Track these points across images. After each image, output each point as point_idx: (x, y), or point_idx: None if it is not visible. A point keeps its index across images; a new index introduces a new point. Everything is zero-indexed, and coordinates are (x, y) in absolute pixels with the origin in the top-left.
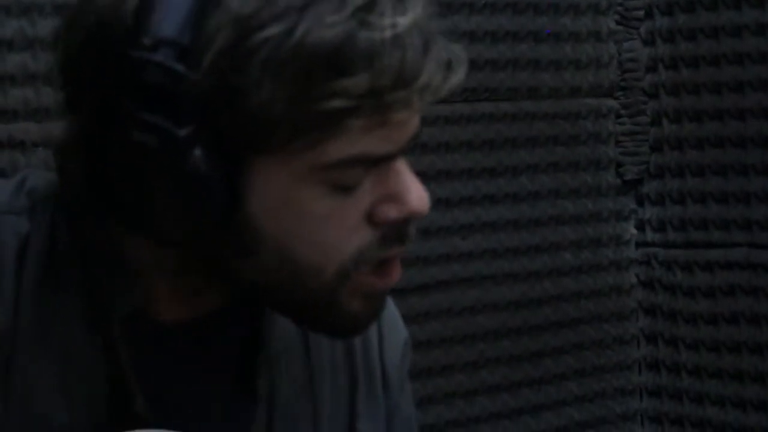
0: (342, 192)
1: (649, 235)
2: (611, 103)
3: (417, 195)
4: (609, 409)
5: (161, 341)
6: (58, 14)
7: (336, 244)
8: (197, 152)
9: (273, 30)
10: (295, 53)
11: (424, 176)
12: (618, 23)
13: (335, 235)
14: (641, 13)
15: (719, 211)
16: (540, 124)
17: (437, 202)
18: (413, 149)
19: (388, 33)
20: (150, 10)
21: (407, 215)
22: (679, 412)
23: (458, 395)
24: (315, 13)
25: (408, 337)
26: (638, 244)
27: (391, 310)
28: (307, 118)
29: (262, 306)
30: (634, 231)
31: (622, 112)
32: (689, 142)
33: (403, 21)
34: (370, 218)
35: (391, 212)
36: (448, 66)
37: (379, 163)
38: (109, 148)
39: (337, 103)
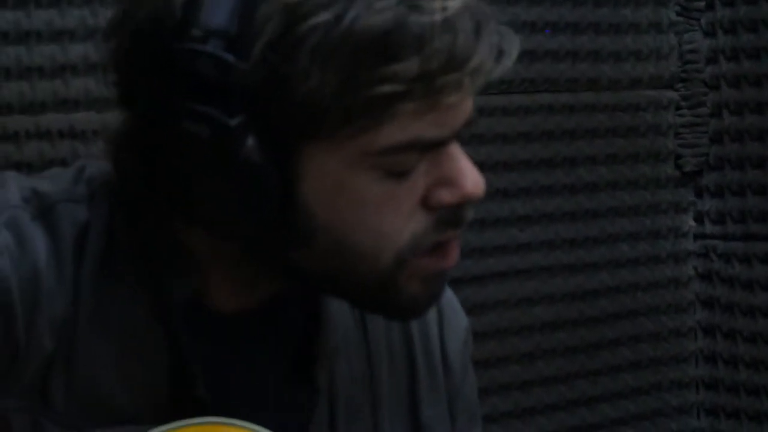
0: (395, 177)
1: (708, 227)
2: (671, 94)
3: (471, 178)
4: (665, 402)
5: (219, 330)
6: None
7: (391, 229)
8: (249, 141)
9: (321, 17)
10: (344, 40)
11: (481, 167)
12: (679, 14)
13: (390, 220)
14: (702, 4)
15: None
16: (599, 115)
17: (495, 193)
18: (470, 140)
19: (438, 16)
20: (199, 1)
21: (462, 199)
22: (735, 405)
23: (514, 386)
24: None
25: (469, 324)
26: (696, 236)
27: (451, 297)
28: (357, 104)
29: (319, 293)
30: (692, 223)
31: (682, 103)
32: (750, 134)
33: (454, 4)
34: (425, 203)
35: (445, 196)
36: (500, 49)
37: (432, 147)
38: (162, 140)
39: (387, 88)
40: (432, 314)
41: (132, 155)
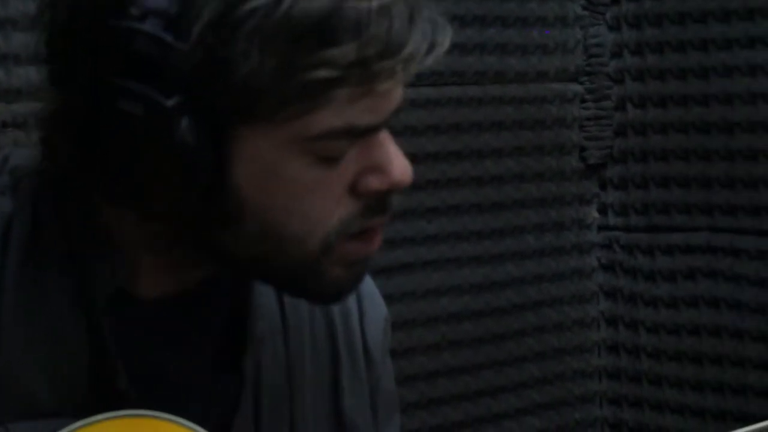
0: (326, 163)
1: (612, 219)
2: (576, 87)
3: (400, 166)
4: (568, 391)
5: (145, 318)
6: None
7: (320, 214)
8: (184, 122)
9: (261, 0)
10: (283, 24)
11: None
12: (584, 8)
13: (319, 205)
14: None
15: (681, 195)
16: (506, 108)
17: None
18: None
19: (374, 3)
20: None
21: (390, 186)
22: (637, 394)
23: (420, 377)
24: None
25: (388, 314)
26: (600, 228)
27: (370, 287)
28: (293, 88)
29: (245, 279)
30: (596, 215)
31: (587, 96)
32: (653, 127)
33: None
34: (353, 189)
35: (374, 183)
36: (433, 38)
37: (363, 134)
38: (96, 120)
39: (323, 73)
40: (353, 304)
41: (62, 136)
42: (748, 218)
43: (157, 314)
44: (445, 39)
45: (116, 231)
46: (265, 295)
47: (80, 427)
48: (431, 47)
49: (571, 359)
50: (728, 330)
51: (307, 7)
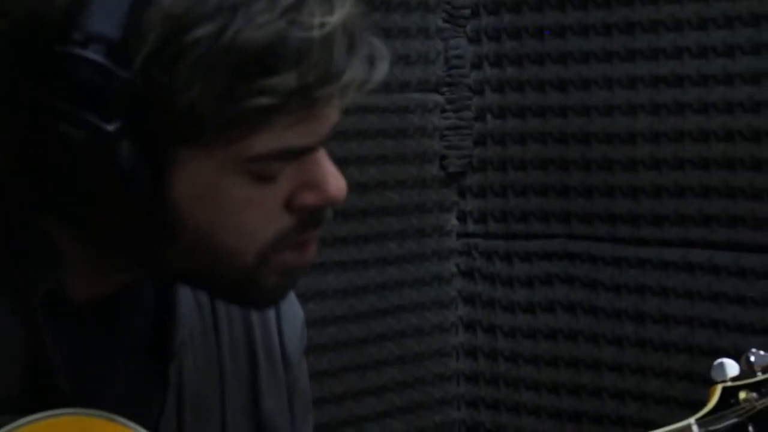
0: (263, 182)
1: (471, 226)
2: (437, 98)
3: (335, 183)
4: (428, 395)
5: (79, 319)
6: None
7: (256, 230)
8: (125, 145)
9: (204, 30)
10: (225, 53)
11: None
12: (445, 21)
13: (255, 222)
14: (468, 11)
15: (539, 203)
16: (370, 117)
17: None
18: None
19: (317, 32)
20: (82, 4)
21: (325, 201)
22: (495, 397)
23: None
24: (246, 12)
25: (304, 317)
26: (459, 235)
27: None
28: (234, 115)
29: (171, 286)
30: (455, 222)
31: (448, 107)
32: (512, 137)
33: (332, 20)
34: (289, 205)
35: (309, 199)
36: (372, 62)
37: (300, 155)
38: (36, 140)
39: (264, 100)
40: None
41: (2, 152)
42: (604, 226)
43: (90, 316)
44: (383, 66)
45: (52, 237)
46: (186, 301)
47: (22, 425)
48: (369, 74)
49: (430, 363)
50: (584, 334)
51: (250, 37)
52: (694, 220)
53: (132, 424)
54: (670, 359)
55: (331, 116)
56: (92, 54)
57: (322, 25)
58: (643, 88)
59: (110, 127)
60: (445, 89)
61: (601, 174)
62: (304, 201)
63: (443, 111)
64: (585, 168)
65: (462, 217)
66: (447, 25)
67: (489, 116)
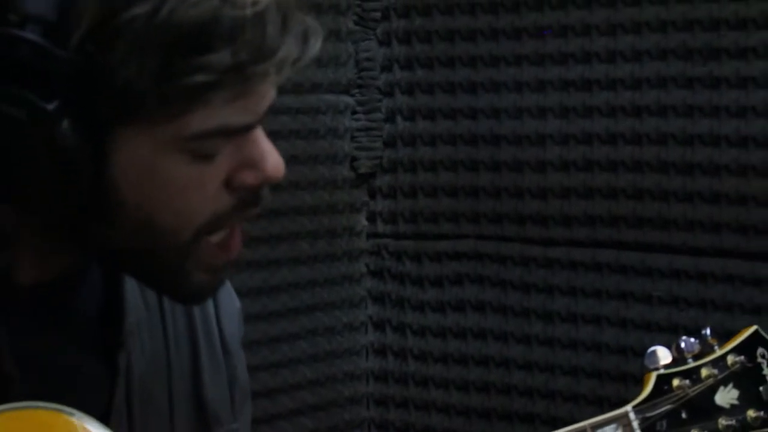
0: (202, 160)
1: (380, 227)
2: (348, 99)
3: (273, 161)
4: (338, 393)
5: (24, 304)
6: None
7: (194, 209)
8: (64, 124)
9: (139, 8)
10: (161, 31)
11: None
12: (356, 23)
13: (195, 201)
14: (378, 14)
15: (449, 204)
16: (282, 117)
17: None
18: None
19: (249, 11)
20: None
21: (263, 180)
22: (404, 395)
23: None
24: None
25: (241, 307)
26: (369, 235)
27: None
28: (171, 92)
29: (118, 271)
30: (365, 222)
31: (358, 108)
32: (422, 138)
33: None
34: (228, 184)
35: (248, 178)
36: (305, 40)
37: (238, 133)
38: None
39: (200, 77)
40: None
41: None
42: (513, 226)
43: (37, 300)
44: (317, 43)
45: None
46: (131, 291)
47: None
48: (303, 50)
49: (341, 362)
50: (493, 333)
51: (185, 16)
52: (602, 221)
53: (87, 418)
54: (579, 357)
55: (268, 94)
56: (29, 34)
57: (255, 3)
58: (552, 91)
59: (50, 106)
60: (355, 91)
61: (511, 175)
62: (243, 180)
63: (354, 113)
64: (494, 169)
65: (372, 218)
66: (358, 28)
67: (399, 118)
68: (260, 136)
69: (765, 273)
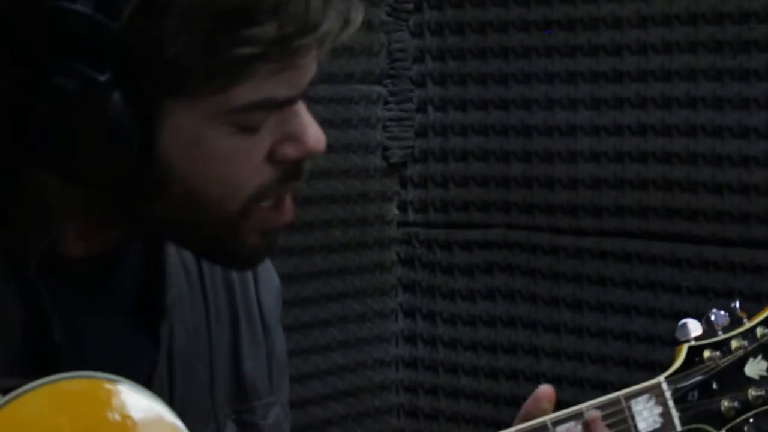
0: (246, 133)
1: (411, 216)
2: (380, 89)
3: (314, 135)
4: (369, 379)
5: (73, 277)
6: None
7: (240, 180)
8: (116, 95)
9: None
10: (208, 5)
11: None
12: (389, 14)
13: (240, 172)
14: (411, 6)
15: (479, 194)
16: (315, 107)
17: None
18: None
19: None
20: None
21: (305, 154)
22: (434, 382)
23: None
24: None
25: (279, 283)
26: (400, 224)
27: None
28: (218, 64)
29: (161, 246)
30: (396, 211)
31: (390, 98)
32: (453, 129)
33: None
34: (271, 157)
35: (290, 151)
36: (347, 14)
37: (281, 106)
38: (28, 94)
39: (246, 50)
40: (249, 273)
41: None
42: (543, 216)
43: (83, 274)
44: (358, 17)
45: (45, 195)
46: (173, 265)
47: (30, 390)
48: (344, 25)
49: (371, 348)
50: (523, 321)
51: None
52: (631, 212)
53: (134, 385)
54: (607, 346)
55: (310, 68)
56: (82, 7)
57: None
58: (583, 83)
59: (102, 78)
60: (388, 81)
61: (541, 166)
62: (286, 153)
63: (386, 103)
64: (525, 160)
65: (403, 207)
66: (390, 19)
67: (430, 108)
68: (302, 110)
69: None
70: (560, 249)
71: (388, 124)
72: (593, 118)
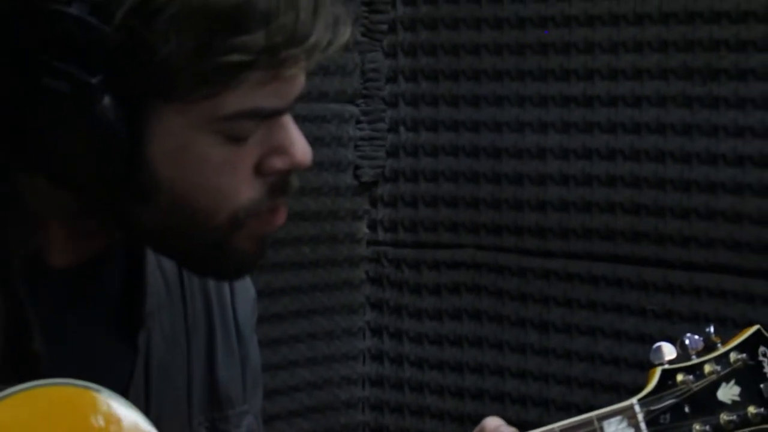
0: (234, 142)
1: (381, 235)
2: (353, 109)
3: (301, 148)
4: (335, 396)
5: (55, 284)
6: None
7: (227, 191)
8: (106, 98)
9: None
10: (200, 11)
11: None
12: (363, 35)
13: (227, 182)
14: (385, 26)
15: (449, 214)
16: None
17: None
18: None
19: None
20: None
21: (292, 166)
22: (400, 401)
23: None
24: None
25: (255, 294)
26: (369, 243)
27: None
28: (208, 70)
29: (141, 255)
30: (366, 230)
31: (362, 118)
32: (424, 149)
33: None
34: (259, 169)
35: (277, 163)
36: (335, 27)
37: (269, 117)
38: (18, 95)
39: (235, 57)
40: (225, 284)
41: None
42: (512, 237)
43: (66, 281)
44: (346, 31)
45: (31, 199)
46: (152, 271)
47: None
48: (332, 38)
49: (338, 366)
50: (489, 341)
51: None
52: (599, 235)
53: (111, 394)
54: (572, 367)
55: (298, 80)
56: (76, 10)
57: None
58: (554, 107)
59: (93, 80)
60: (360, 101)
61: (511, 187)
62: (273, 165)
63: (358, 122)
64: (495, 181)
65: (373, 226)
66: (365, 39)
67: (402, 128)
68: (290, 122)
69: (758, 289)
70: (528, 270)
71: (359, 143)
72: (563, 141)
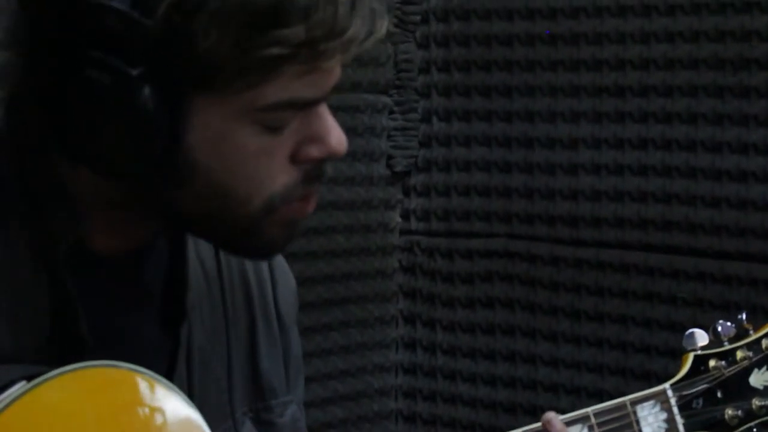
0: (271, 132)
1: (414, 224)
2: (386, 99)
3: (336, 136)
4: (368, 384)
5: (98, 273)
6: None
7: (263, 178)
8: (146, 90)
9: None
10: (241, 5)
11: None
12: (396, 26)
13: (263, 170)
14: (418, 17)
15: (481, 203)
16: None
17: None
18: None
19: None
20: None
21: (327, 154)
22: (432, 389)
23: None
24: None
25: (296, 285)
26: (402, 232)
27: (282, 261)
28: (248, 62)
29: (190, 233)
30: (399, 219)
31: (395, 108)
32: (456, 139)
33: None
34: (294, 157)
35: (313, 151)
36: (372, 21)
37: (306, 107)
38: (61, 86)
39: (275, 50)
40: (266, 274)
41: (25, 100)
42: (544, 226)
43: (109, 270)
44: (383, 25)
45: (74, 189)
46: (193, 265)
47: (55, 376)
48: (370, 32)
49: (371, 354)
50: (521, 330)
51: None
52: (630, 224)
53: (157, 377)
54: (604, 355)
55: (335, 71)
56: (118, 3)
57: None
58: (586, 97)
59: (134, 72)
60: (393, 91)
61: (543, 177)
62: (309, 153)
63: (391, 112)
64: (527, 171)
65: (405, 215)
66: (398, 30)
67: (435, 119)
68: (325, 112)
69: None
70: (560, 259)
71: (392, 133)
72: (595, 131)
